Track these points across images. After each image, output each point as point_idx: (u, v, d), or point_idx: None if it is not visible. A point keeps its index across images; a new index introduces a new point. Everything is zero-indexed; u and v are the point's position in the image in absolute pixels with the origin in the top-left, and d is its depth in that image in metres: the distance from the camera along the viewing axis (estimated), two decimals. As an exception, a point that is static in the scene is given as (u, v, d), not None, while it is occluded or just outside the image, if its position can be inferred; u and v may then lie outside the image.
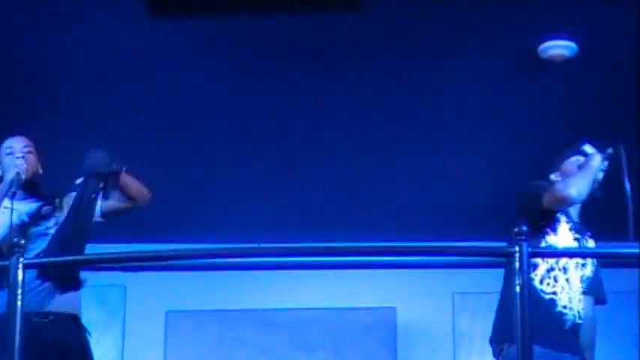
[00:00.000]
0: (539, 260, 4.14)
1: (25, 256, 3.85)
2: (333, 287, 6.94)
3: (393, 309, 7.14)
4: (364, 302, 7.12)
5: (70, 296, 4.48)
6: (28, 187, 4.62)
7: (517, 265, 3.21)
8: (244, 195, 6.45)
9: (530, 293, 3.74)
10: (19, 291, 3.70)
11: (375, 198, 6.32)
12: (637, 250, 3.46)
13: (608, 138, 4.23)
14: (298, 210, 6.46)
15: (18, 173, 4.46)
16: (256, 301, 7.02)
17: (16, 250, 3.76)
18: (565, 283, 4.14)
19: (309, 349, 6.90)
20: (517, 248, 3.28)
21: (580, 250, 4.35)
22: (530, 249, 3.37)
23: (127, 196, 4.50)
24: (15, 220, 4.51)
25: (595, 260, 4.22)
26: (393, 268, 6.43)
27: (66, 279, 4.49)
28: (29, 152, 4.65)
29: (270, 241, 5.84)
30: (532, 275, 4.02)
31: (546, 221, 4.17)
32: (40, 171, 4.71)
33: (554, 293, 4.12)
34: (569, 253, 4.36)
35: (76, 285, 4.50)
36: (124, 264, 6.05)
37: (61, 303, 4.49)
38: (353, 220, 6.44)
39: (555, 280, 4.13)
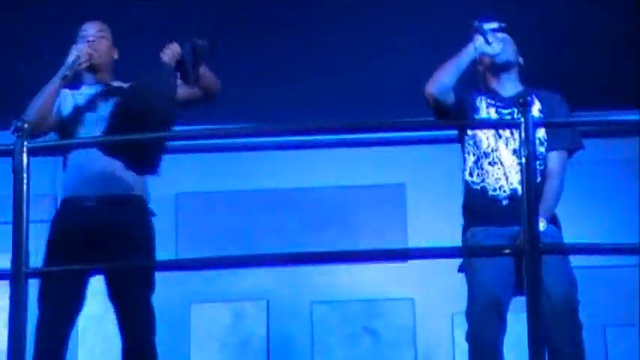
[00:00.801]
0: (467, 154, 4.35)
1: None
2: (341, 165, 7.01)
3: (402, 185, 7.17)
4: (373, 180, 7.16)
5: (137, 178, 4.62)
6: (95, 72, 4.71)
7: (523, 135, 3.20)
8: (253, 79, 6.60)
9: (464, 186, 4.35)
10: (25, 175, 3.73)
11: (380, 79, 6.47)
12: (637, 117, 3.62)
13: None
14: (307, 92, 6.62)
15: (78, 57, 4.54)
16: (265, 182, 7.06)
17: (20, 133, 3.77)
18: (490, 167, 4.26)
19: (319, 227, 6.96)
20: (522, 119, 3.25)
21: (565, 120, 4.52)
22: (535, 119, 3.40)
23: (203, 85, 4.54)
24: (69, 104, 4.69)
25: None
26: (402, 145, 6.54)
27: (139, 160, 4.54)
28: (102, 37, 4.69)
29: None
30: (464, 169, 4.30)
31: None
32: (115, 56, 4.78)
33: (483, 181, 4.25)
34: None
35: (151, 168, 4.53)
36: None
37: (128, 185, 4.62)
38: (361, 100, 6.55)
39: (481, 168, 4.26)
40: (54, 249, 4.53)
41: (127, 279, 4.54)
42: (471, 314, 4.13)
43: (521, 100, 3.32)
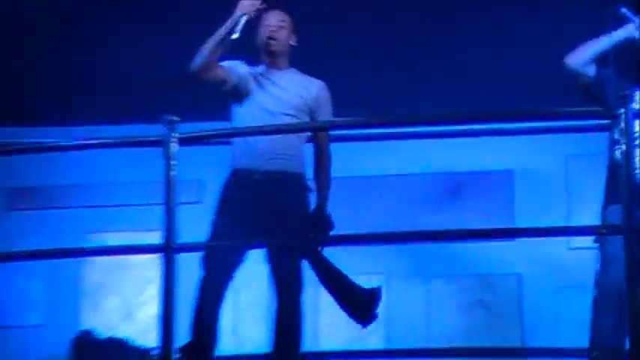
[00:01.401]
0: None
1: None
2: (453, 153, 7.29)
3: (511, 171, 7.42)
4: (483, 166, 7.43)
5: (298, 157, 5.06)
6: (274, 57, 5.09)
7: (622, 125, 3.44)
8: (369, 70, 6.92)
9: (610, 165, 4.35)
10: (173, 162, 4.21)
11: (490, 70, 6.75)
12: None
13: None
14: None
15: (243, 13, 4.85)
16: (380, 168, 7.42)
17: (170, 126, 4.24)
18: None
19: (433, 210, 7.25)
20: (622, 109, 3.49)
21: None
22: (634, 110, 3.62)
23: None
24: (248, 79, 5.09)
25: None
26: (511, 135, 6.45)
27: None
28: (282, 27, 5.06)
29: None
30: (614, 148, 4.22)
31: (596, 90, 4.41)
32: (293, 43, 5.16)
33: None
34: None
35: None
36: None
37: (291, 163, 5.02)
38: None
39: None
40: (223, 210, 4.92)
41: (281, 251, 4.96)
42: (601, 285, 4.29)
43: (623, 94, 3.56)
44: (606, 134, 4.36)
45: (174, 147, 4.24)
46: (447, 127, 6.13)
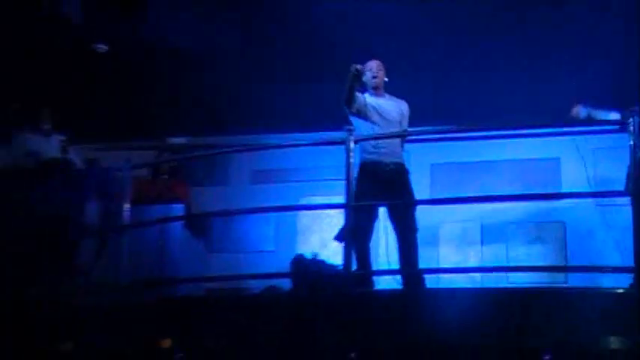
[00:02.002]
0: None
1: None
2: (513, 144, 8.00)
3: (557, 159, 8.24)
4: (533, 155, 8.22)
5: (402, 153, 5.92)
6: (376, 89, 5.90)
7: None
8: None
9: None
10: (351, 153, 5.20)
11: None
12: None
13: None
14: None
15: (355, 69, 5.62)
16: (490, 155, 8.28)
17: (349, 132, 5.30)
18: None
19: (508, 184, 8.03)
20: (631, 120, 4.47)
21: None
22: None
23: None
24: (369, 104, 5.83)
25: None
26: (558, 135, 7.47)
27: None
28: (380, 70, 5.96)
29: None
30: None
31: None
32: (386, 79, 5.96)
33: None
34: None
35: None
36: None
37: (401, 156, 5.93)
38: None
39: None
40: (363, 187, 5.75)
41: (402, 209, 5.84)
42: None
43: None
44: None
45: (351, 144, 5.30)
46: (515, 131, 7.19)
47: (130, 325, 5.58)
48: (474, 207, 7.22)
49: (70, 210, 6.52)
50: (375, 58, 5.97)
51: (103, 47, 7.46)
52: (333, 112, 6.00)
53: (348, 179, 5.23)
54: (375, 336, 4.77)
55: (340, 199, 5.29)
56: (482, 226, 8.01)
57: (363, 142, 5.74)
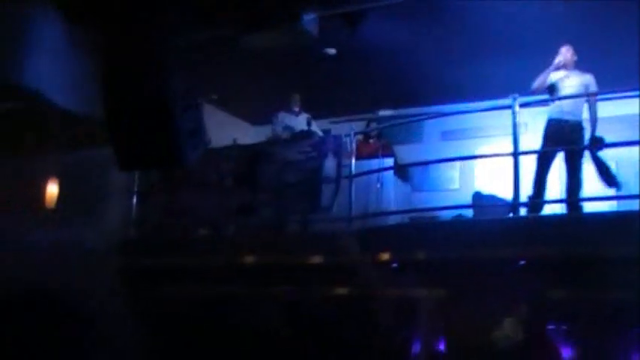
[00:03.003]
0: None
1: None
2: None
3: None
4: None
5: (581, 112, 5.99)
6: (567, 68, 6.03)
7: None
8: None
9: None
10: (516, 115, 5.46)
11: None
12: None
13: None
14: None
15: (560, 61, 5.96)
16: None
17: (514, 98, 5.48)
18: None
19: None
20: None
21: None
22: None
23: None
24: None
25: None
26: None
27: None
28: (573, 54, 6.00)
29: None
30: None
31: None
32: (575, 58, 5.99)
33: None
34: None
35: None
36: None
37: (579, 116, 5.93)
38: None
39: None
40: (548, 138, 6.00)
41: (575, 154, 5.93)
42: None
43: None
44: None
45: (517, 108, 5.57)
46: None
47: (356, 245, 6.02)
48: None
49: (316, 165, 7.20)
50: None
51: (332, 51, 7.86)
52: (502, 83, 6.20)
53: (515, 134, 5.38)
54: (541, 248, 4.85)
55: (507, 149, 5.44)
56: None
57: (552, 104, 5.82)
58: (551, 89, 6.05)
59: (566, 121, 5.96)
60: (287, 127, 7.76)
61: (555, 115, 5.99)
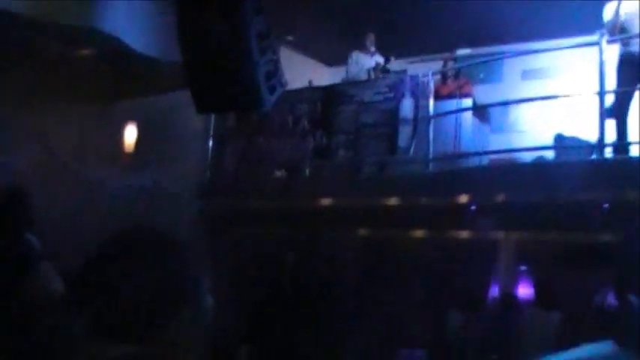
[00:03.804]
0: None
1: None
2: None
3: None
4: None
5: None
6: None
7: None
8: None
9: None
10: (602, 50, 5.34)
11: None
12: None
13: None
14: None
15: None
16: None
17: (601, 34, 5.41)
18: None
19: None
20: None
21: None
22: None
23: None
24: None
25: None
26: None
27: None
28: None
29: None
30: None
31: None
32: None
33: None
34: None
35: None
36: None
37: None
38: None
39: None
40: (626, 72, 5.62)
41: None
42: None
43: None
44: None
45: (604, 45, 5.45)
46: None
47: (434, 187, 6.13)
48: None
49: (393, 106, 7.17)
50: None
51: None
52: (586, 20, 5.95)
53: (601, 71, 5.23)
54: (626, 191, 4.75)
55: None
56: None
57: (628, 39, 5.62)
58: (623, 28, 5.64)
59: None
60: (362, 68, 7.75)
61: (631, 50, 5.56)
